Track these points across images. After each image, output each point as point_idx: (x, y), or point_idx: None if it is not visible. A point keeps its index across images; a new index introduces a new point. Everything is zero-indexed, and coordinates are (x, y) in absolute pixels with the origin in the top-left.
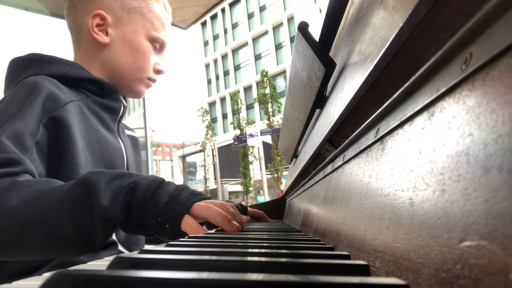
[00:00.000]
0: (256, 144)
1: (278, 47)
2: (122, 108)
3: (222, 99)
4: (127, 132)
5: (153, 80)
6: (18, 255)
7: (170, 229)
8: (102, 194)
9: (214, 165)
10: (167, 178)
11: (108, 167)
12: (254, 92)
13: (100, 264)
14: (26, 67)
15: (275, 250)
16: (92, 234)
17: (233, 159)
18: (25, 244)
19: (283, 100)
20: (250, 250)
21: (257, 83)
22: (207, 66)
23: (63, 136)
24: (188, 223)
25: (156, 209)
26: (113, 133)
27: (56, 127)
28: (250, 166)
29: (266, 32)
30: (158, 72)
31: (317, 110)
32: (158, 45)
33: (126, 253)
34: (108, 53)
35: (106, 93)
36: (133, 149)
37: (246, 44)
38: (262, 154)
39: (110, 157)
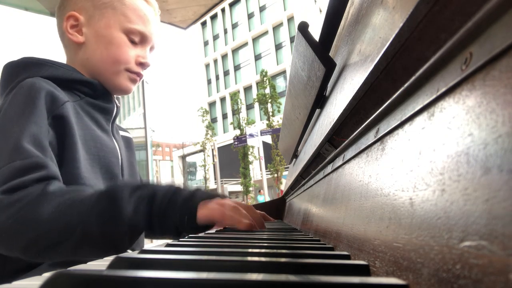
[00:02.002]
0: (256, 144)
1: (278, 47)
2: (115, 109)
3: (222, 99)
4: (121, 133)
5: (137, 74)
6: (54, 258)
7: (190, 226)
8: (126, 204)
9: (214, 165)
10: (167, 178)
11: (104, 165)
12: (254, 92)
13: (100, 264)
14: (21, 71)
15: (275, 250)
16: (119, 240)
17: (233, 159)
18: (60, 249)
19: (282, 100)
20: (250, 250)
21: (257, 83)
22: (207, 66)
23: (65, 132)
24: (203, 209)
25: (174, 212)
26: (107, 133)
27: (59, 125)
28: (250, 166)
29: (266, 32)
30: (141, 64)
31: (317, 110)
32: (136, 38)
33: (126, 253)
34: (85, 52)
35: (99, 94)
36: (127, 150)
37: (246, 44)
38: (262, 154)
39: (105, 156)
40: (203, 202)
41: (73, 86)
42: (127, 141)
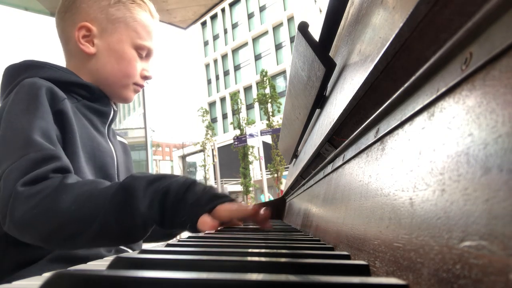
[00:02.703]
0: (256, 144)
1: (278, 47)
2: (112, 112)
3: (222, 99)
4: (118, 138)
5: (141, 86)
6: (73, 247)
7: (190, 228)
8: (141, 199)
9: (214, 165)
10: None
11: (98, 164)
12: (254, 92)
13: (100, 264)
14: (21, 72)
15: (275, 250)
16: (134, 232)
17: (233, 159)
18: (79, 239)
19: (282, 100)
20: (250, 250)
21: (257, 83)
22: (207, 66)
23: (66, 127)
24: (202, 221)
25: (184, 210)
26: (102, 135)
27: (61, 120)
28: (250, 166)
29: (266, 32)
30: (145, 78)
31: (317, 110)
32: (144, 52)
33: (126, 253)
34: (95, 63)
35: (96, 98)
36: (124, 155)
37: (246, 44)
38: (262, 154)
39: (100, 156)
40: (212, 206)
41: (71, 88)
42: (124, 147)
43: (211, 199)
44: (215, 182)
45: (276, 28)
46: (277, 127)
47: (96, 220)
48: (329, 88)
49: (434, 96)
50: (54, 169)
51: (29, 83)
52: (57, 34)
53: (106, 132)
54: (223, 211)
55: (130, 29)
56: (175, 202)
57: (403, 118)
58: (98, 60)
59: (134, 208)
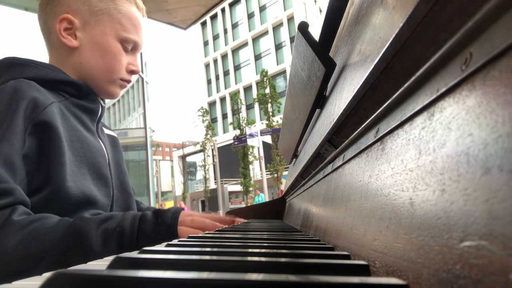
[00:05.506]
0: (256, 144)
1: (278, 47)
2: (100, 109)
3: (222, 99)
4: (106, 131)
5: (127, 81)
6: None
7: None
8: (93, 240)
9: (214, 165)
10: (167, 178)
11: (91, 166)
12: (254, 92)
13: (100, 264)
14: (3, 71)
15: (275, 250)
16: None
17: (233, 159)
18: (25, 275)
19: (282, 100)
20: (250, 250)
21: (257, 83)
22: (207, 66)
23: (49, 137)
24: (185, 232)
25: (149, 239)
26: (92, 133)
27: (42, 131)
28: (250, 166)
29: (266, 32)
30: (131, 72)
31: (317, 110)
32: (129, 46)
33: (126, 252)
34: (78, 56)
35: (84, 95)
36: (113, 149)
37: (246, 44)
38: (262, 154)
39: (92, 156)
40: (174, 223)
41: (58, 86)
42: (113, 140)
43: (170, 215)
44: (215, 182)
45: (276, 28)
46: (277, 127)
47: (44, 259)
48: (329, 88)
49: (434, 96)
50: (4, 205)
51: (10, 91)
52: (39, 27)
53: (95, 129)
54: (192, 222)
55: (115, 21)
56: (133, 239)
57: (403, 118)
58: (81, 53)
59: (86, 251)
